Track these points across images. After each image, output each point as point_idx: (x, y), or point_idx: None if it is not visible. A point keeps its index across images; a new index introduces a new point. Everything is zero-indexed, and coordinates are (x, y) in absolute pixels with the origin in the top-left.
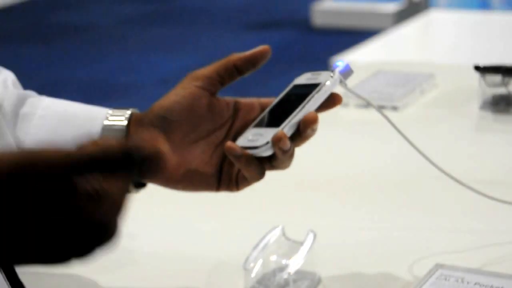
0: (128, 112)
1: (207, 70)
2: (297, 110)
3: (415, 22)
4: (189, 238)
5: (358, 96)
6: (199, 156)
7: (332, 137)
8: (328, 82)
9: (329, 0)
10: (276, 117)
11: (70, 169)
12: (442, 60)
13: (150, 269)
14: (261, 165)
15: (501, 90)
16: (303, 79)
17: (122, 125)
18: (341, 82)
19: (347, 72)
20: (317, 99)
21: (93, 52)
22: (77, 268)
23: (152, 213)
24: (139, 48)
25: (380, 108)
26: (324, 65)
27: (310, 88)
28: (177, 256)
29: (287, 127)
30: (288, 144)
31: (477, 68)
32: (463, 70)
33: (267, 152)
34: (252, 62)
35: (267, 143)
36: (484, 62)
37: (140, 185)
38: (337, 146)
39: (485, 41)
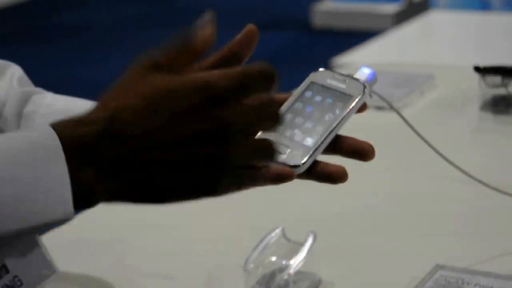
0: None
1: (205, 64)
2: (329, 129)
3: (415, 23)
4: (189, 238)
5: (382, 98)
6: None
7: None
8: (361, 96)
9: (329, 1)
10: (302, 126)
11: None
12: (442, 61)
13: (150, 269)
14: None
15: (501, 91)
16: (322, 78)
17: None
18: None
19: (373, 81)
20: (348, 115)
21: (93, 53)
22: None
23: (151, 213)
24: (139, 48)
25: (396, 109)
26: (324, 66)
27: (336, 95)
28: (177, 256)
29: (319, 149)
30: None
31: (477, 69)
32: (463, 71)
33: (296, 172)
34: (245, 42)
35: (299, 166)
36: (484, 63)
37: None
38: None
39: (485, 42)
